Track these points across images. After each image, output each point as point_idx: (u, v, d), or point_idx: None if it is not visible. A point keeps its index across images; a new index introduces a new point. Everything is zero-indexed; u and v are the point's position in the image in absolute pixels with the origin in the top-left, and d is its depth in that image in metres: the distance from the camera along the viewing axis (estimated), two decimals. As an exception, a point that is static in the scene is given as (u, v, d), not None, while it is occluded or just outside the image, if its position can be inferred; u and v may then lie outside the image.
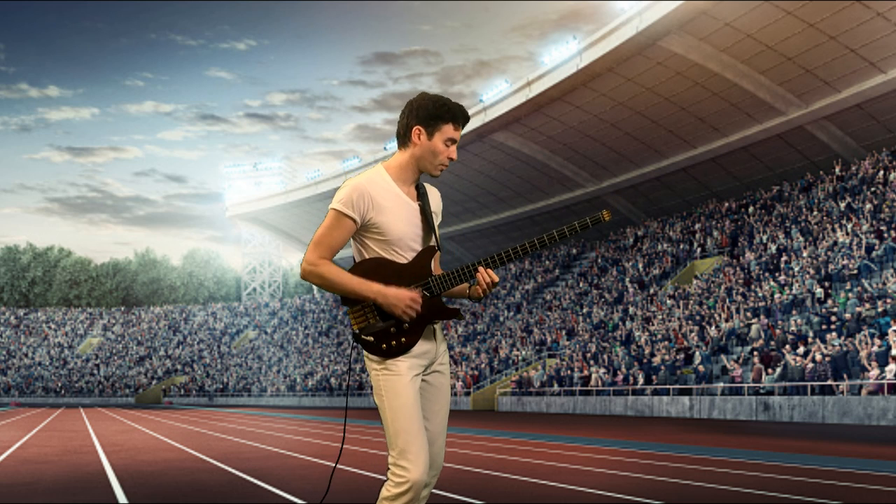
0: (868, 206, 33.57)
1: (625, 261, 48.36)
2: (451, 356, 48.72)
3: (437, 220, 3.13)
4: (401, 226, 2.94)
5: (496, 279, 2.96)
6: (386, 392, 2.93)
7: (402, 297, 2.88)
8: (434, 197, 3.14)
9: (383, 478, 8.08)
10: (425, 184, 3.14)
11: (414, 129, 2.95)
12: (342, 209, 2.86)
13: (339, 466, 9.34)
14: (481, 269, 2.96)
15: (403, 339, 2.94)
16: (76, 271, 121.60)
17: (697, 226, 45.74)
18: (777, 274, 33.51)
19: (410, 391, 2.92)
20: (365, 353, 3.01)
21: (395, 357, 2.94)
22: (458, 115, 2.94)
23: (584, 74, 42.58)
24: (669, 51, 38.92)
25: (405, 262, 2.98)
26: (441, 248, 3.09)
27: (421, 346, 3.00)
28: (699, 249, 43.04)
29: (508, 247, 3.03)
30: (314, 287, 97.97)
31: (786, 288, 31.11)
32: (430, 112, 2.92)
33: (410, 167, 2.99)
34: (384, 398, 2.93)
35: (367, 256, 2.97)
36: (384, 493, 2.88)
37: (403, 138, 2.98)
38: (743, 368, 26.38)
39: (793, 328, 26.82)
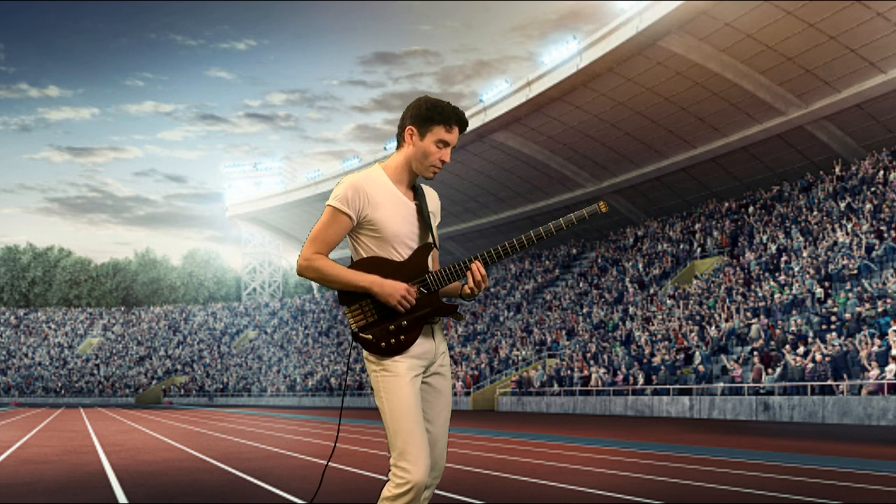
0: (868, 206, 33.57)
1: (625, 261, 48.35)
2: (451, 356, 48.76)
3: (435, 220, 3.14)
4: (397, 223, 2.95)
5: (484, 275, 2.95)
6: (385, 393, 2.92)
7: (397, 289, 2.88)
8: (431, 198, 3.15)
9: (383, 478, 8.09)
10: (423, 185, 3.15)
11: (407, 129, 2.97)
12: (338, 206, 2.88)
13: (338, 466, 9.34)
14: (473, 265, 2.96)
15: (402, 337, 2.94)
16: (76, 271, 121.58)
17: (697, 226, 45.74)
18: (777, 274, 33.51)
19: (410, 392, 2.91)
20: (365, 354, 3.01)
21: (393, 356, 2.93)
22: (450, 118, 2.94)
23: (584, 74, 42.57)
24: (669, 51, 38.92)
25: (402, 259, 2.98)
26: (438, 247, 3.09)
27: (420, 346, 2.99)
28: (699, 249, 43.04)
29: (507, 242, 3.00)
30: (314, 287, 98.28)
31: (786, 288, 31.10)
32: (423, 113, 2.94)
33: (406, 167, 3.00)
34: (384, 400, 2.92)
35: (363, 255, 2.98)
36: (385, 493, 2.88)
37: (399, 138, 3.01)
38: (743, 368, 26.38)
39: (793, 328, 26.82)
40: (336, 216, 2.89)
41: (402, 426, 2.87)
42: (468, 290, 3.00)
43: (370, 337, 2.94)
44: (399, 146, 3.02)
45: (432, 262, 3.12)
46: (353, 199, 2.89)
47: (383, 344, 2.93)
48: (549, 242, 61.79)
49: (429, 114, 2.93)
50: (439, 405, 3.08)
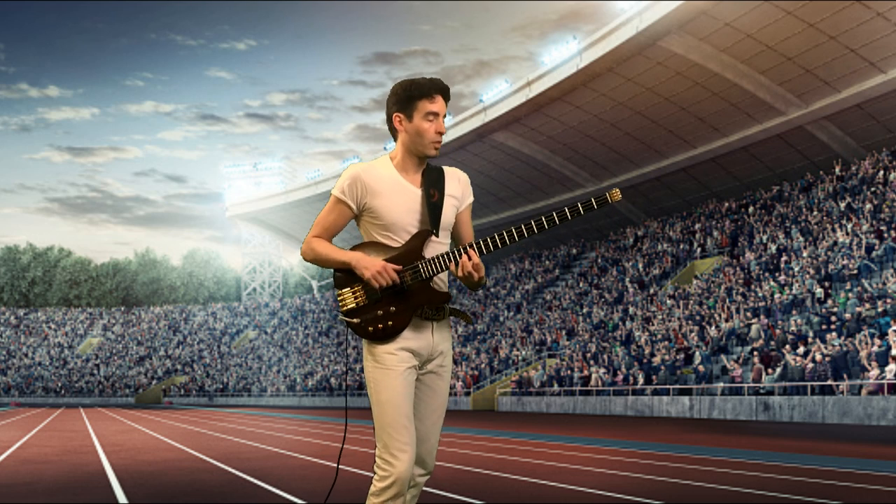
0: (868, 206, 33.57)
1: (625, 261, 48.35)
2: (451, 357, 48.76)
3: (460, 203, 3.12)
4: (396, 211, 2.97)
5: (478, 263, 2.93)
6: (375, 385, 2.94)
7: (374, 263, 2.92)
8: (455, 180, 3.11)
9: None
10: (449, 168, 3.13)
11: (394, 116, 3.00)
12: (337, 194, 2.99)
13: (337, 467, 9.33)
14: (466, 252, 2.95)
15: (390, 323, 2.94)
16: (76, 271, 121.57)
17: (697, 226, 45.74)
18: (777, 274, 33.51)
19: (399, 385, 2.91)
20: (364, 348, 3.02)
21: (383, 341, 2.95)
22: (429, 89, 2.95)
23: (584, 74, 42.56)
24: (669, 51, 38.91)
25: (398, 245, 3.00)
26: (438, 234, 3.03)
27: (414, 341, 2.99)
28: (699, 249, 43.04)
29: (505, 231, 2.98)
30: (314, 287, 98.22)
31: (786, 288, 31.10)
32: (402, 95, 2.97)
33: (407, 155, 3.02)
34: (373, 391, 2.94)
35: (366, 241, 3.04)
36: (371, 489, 2.90)
37: (392, 130, 3.05)
38: (743, 368, 26.38)
39: (793, 328, 26.82)
40: (335, 204, 3.00)
41: (389, 419, 2.88)
42: (461, 276, 2.99)
43: (357, 321, 2.96)
44: (394, 137, 3.05)
45: (433, 247, 3.07)
46: (351, 188, 2.96)
47: (370, 328, 2.95)
48: (549, 242, 61.80)
49: (407, 93, 2.96)
50: (433, 404, 3.08)
